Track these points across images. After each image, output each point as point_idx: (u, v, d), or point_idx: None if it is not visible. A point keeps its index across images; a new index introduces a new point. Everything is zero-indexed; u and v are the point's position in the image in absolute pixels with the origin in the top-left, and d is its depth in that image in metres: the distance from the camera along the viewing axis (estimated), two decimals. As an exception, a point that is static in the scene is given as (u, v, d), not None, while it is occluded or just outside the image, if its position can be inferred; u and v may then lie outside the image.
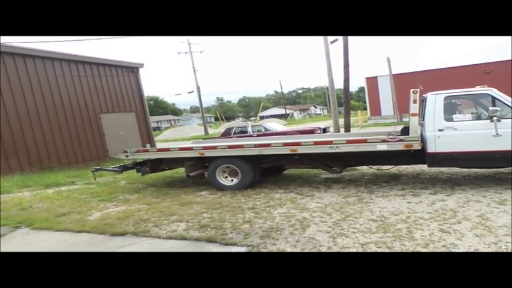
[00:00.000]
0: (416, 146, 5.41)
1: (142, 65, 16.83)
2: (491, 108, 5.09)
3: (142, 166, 7.64)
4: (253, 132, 14.74)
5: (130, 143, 14.18)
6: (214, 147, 6.82)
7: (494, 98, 5.24)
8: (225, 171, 6.84)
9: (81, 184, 8.90)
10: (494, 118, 5.02)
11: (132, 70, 16.31)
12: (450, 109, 5.63)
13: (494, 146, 5.07)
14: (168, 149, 7.56)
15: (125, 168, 7.77)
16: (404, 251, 3.42)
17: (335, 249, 3.60)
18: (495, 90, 5.33)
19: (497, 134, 5.02)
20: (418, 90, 5.58)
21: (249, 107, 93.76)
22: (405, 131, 6.16)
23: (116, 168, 7.78)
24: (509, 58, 23.88)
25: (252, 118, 65.89)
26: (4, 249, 4.36)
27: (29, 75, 11.85)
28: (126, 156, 7.57)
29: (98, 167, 8.28)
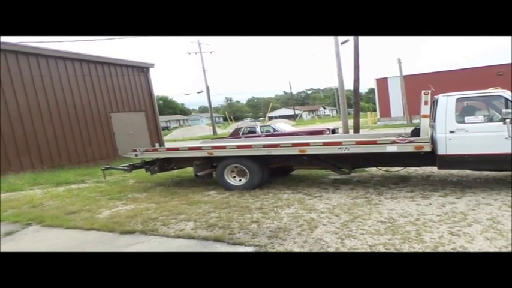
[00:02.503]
0: (427, 148, 5.35)
1: (152, 65, 16.95)
2: (504, 110, 5.01)
3: (151, 165, 7.68)
4: (261, 132, 14.73)
5: (140, 142, 14.27)
6: (223, 147, 6.84)
7: (507, 100, 5.16)
8: (233, 171, 6.86)
9: (91, 182, 9.01)
10: (507, 120, 4.95)
11: (143, 70, 16.44)
12: (462, 111, 5.56)
13: (506, 148, 4.99)
14: (177, 149, 7.60)
15: (134, 167, 7.84)
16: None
17: (343, 250, 3.58)
18: (508, 92, 5.25)
19: (509, 137, 4.94)
20: (429, 91, 5.53)
21: (258, 108, 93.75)
22: (415, 132, 6.10)
23: (125, 167, 7.85)
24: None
25: (261, 118, 65.91)
26: (16, 246, 4.43)
27: (42, 75, 12.04)
28: (136, 155, 7.63)
29: (108, 166, 8.37)
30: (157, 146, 8.70)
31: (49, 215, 5.70)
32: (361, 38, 11.23)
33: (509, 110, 4.96)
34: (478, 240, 3.56)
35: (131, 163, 7.98)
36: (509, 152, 4.97)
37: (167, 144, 18.37)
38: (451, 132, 5.29)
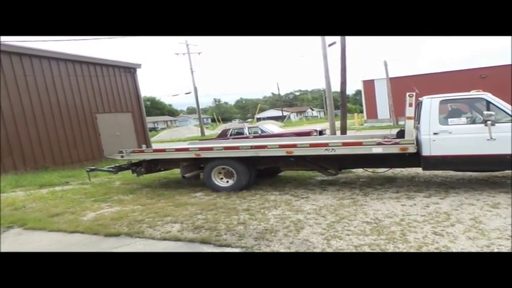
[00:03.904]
0: (412, 149, 5.43)
1: (139, 66, 16.79)
2: (485, 112, 5.12)
3: (137, 167, 7.60)
4: (249, 133, 14.73)
5: (126, 144, 14.13)
6: (210, 149, 6.81)
7: (488, 102, 5.28)
8: (220, 173, 6.83)
9: (76, 184, 8.86)
10: (489, 122, 5.05)
11: (130, 70, 16.26)
12: (446, 113, 5.67)
13: (488, 149, 5.10)
14: (163, 150, 7.53)
15: (120, 168, 7.74)
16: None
17: (329, 251, 3.60)
18: (490, 94, 5.37)
19: (491, 138, 5.05)
20: (414, 93, 5.62)
21: (246, 109, 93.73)
22: (401, 134, 6.19)
23: (111, 169, 7.74)
24: (505, 63, 24.11)
25: (249, 120, 65.82)
26: (-4, 249, 4.32)
27: (25, 74, 11.78)
28: (122, 156, 7.53)
29: (93, 167, 8.24)
30: (144, 147, 8.60)
31: (32, 217, 5.58)
32: (348, 41, 11.35)
33: (491, 112, 5.07)
34: (461, 239, 3.62)
35: (117, 164, 7.87)
36: (491, 153, 5.08)
37: (154, 146, 18.22)
38: (435, 133, 5.38)
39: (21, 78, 11.67)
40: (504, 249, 3.32)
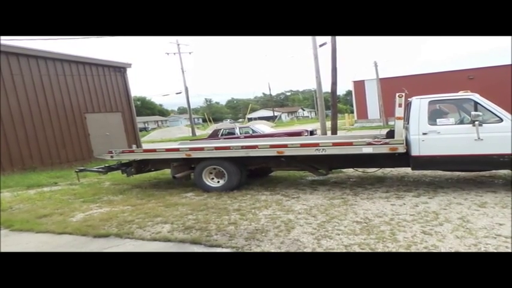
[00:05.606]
0: (401, 149, 5.48)
1: (130, 65, 16.64)
2: (473, 113, 5.19)
3: (127, 167, 7.54)
4: (240, 134, 14.72)
5: (116, 144, 13.97)
6: (201, 149, 6.79)
7: (476, 103, 5.36)
8: (211, 173, 6.81)
9: (64, 185, 8.74)
10: (476, 123, 5.12)
11: (120, 70, 16.10)
12: (434, 113, 5.73)
13: (476, 150, 5.17)
14: (154, 150, 7.48)
15: (109, 169, 7.67)
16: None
17: (319, 251, 3.61)
18: (477, 95, 5.45)
19: (478, 138, 5.12)
20: (403, 94, 5.67)
21: (237, 109, 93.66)
22: (390, 134, 6.24)
23: (100, 169, 7.66)
24: (492, 65, 24.56)
25: (240, 120, 65.80)
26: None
27: (12, 74, 11.59)
28: (111, 157, 7.46)
29: (82, 168, 8.15)
30: (134, 147, 8.54)
31: (19, 219, 5.50)
32: (338, 42, 11.43)
33: (478, 113, 5.15)
34: (449, 238, 3.67)
35: (107, 165, 7.80)
36: (479, 153, 5.15)
37: (145, 146, 18.09)
38: (424, 133, 5.44)
39: (8, 77, 11.48)
40: (491, 248, 3.37)
